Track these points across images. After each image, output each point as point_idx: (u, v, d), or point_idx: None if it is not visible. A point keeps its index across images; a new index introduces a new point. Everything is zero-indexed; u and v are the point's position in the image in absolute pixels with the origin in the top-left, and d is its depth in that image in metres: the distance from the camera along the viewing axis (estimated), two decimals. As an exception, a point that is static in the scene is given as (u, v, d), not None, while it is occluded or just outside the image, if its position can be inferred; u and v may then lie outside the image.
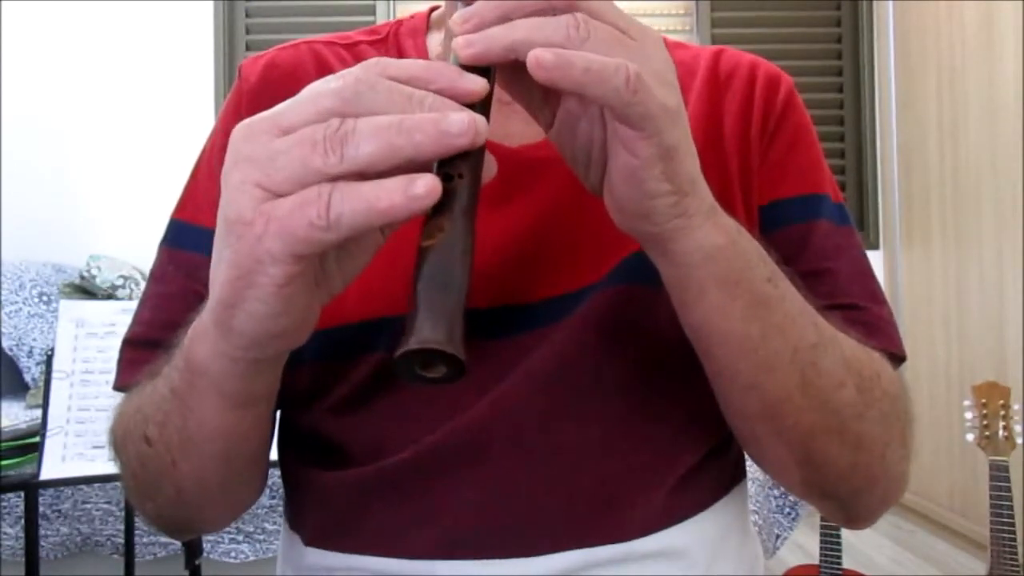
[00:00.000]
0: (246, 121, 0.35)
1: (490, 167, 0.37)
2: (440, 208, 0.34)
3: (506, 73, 0.39)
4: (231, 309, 0.36)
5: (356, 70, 0.34)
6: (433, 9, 0.65)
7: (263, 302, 0.35)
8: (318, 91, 0.34)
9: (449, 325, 0.32)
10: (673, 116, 0.38)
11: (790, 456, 0.51)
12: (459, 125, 0.32)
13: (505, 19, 0.37)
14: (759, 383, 0.47)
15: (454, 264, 0.33)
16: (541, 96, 0.42)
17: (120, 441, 0.54)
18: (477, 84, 0.35)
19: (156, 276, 0.59)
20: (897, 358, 0.57)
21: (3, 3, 3.06)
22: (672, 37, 0.66)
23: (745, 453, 0.59)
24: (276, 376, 0.45)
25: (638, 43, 0.38)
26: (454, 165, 0.35)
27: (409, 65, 0.35)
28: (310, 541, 0.57)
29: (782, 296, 0.46)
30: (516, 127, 0.56)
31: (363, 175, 0.33)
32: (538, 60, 0.35)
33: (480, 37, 0.36)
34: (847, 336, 0.51)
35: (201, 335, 0.41)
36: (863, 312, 0.57)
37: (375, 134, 0.32)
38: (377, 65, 0.35)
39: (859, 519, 0.57)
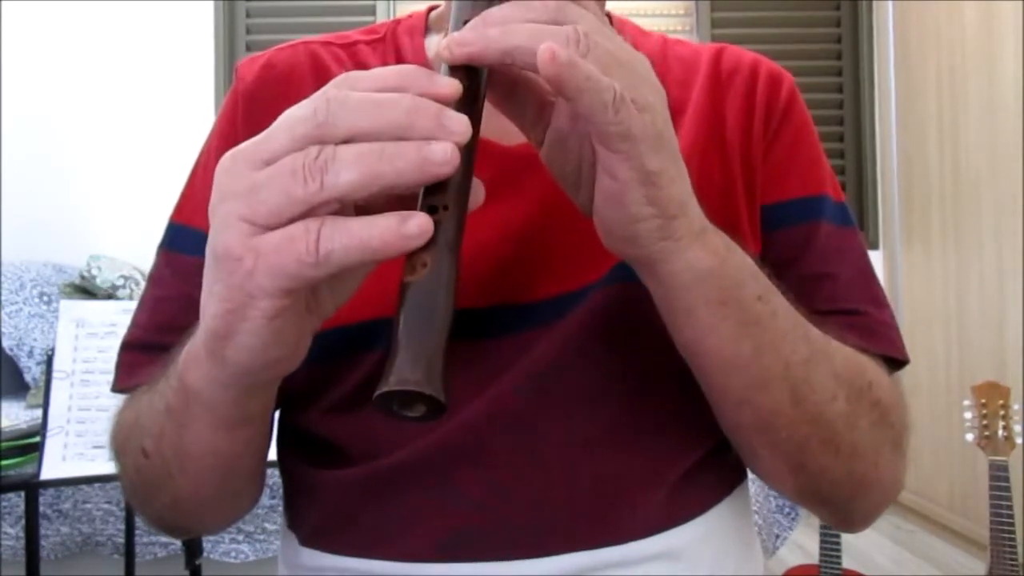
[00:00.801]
0: (228, 154, 0.35)
1: (477, 196, 0.37)
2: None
3: (498, 90, 0.39)
4: (223, 340, 0.36)
5: (326, 90, 0.34)
6: (432, 9, 0.65)
7: (254, 334, 0.35)
8: (293, 117, 0.34)
9: (428, 365, 0.32)
10: (656, 141, 0.38)
11: (784, 466, 0.51)
12: (442, 154, 0.32)
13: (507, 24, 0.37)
14: (751, 399, 0.47)
15: (437, 301, 0.33)
16: (533, 114, 0.42)
17: (119, 449, 0.55)
18: (450, 87, 0.35)
19: (154, 279, 0.59)
20: (898, 362, 0.57)
21: (3, 3, 3.06)
22: (672, 37, 0.66)
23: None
24: (270, 398, 0.45)
25: (630, 70, 0.38)
26: (439, 196, 0.35)
27: (378, 75, 0.35)
28: (305, 541, 0.57)
29: (773, 313, 0.46)
30: (512, 125, 0.56)
31: (344, 203, 0.33)
32: (553, 54, 0.34)
33: (477, 37, 0.36)
34: (841, 344, 0.51)
35: (194, 361, 0.41)
36: (864, 317, 0.57)
37: (356, 161, 0.32)
38: (346, 80, 0.35)
39: (855, 523, 0.57)
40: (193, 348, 0.41)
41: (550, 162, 0.43)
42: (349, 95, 0.33)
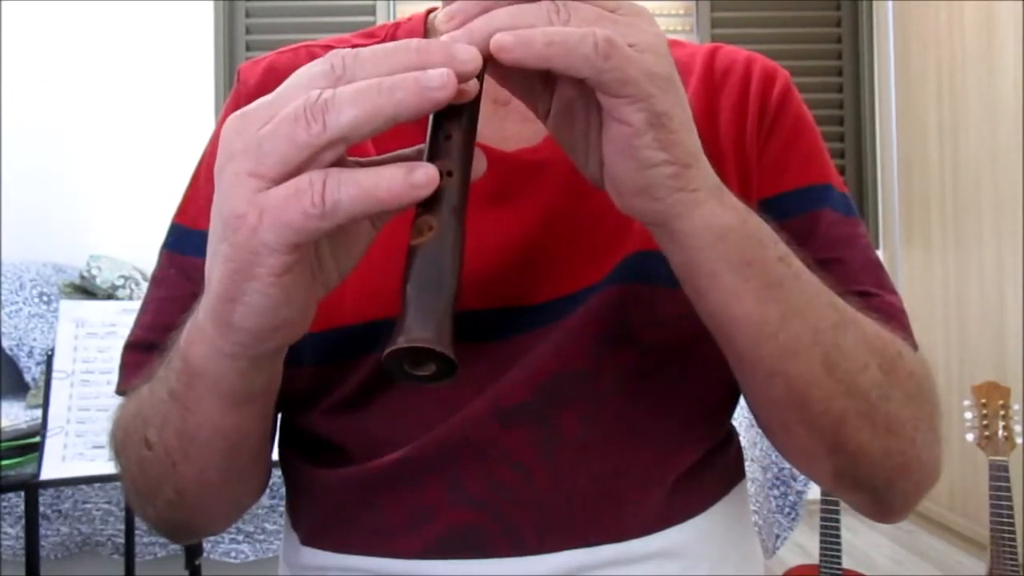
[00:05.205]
0: (235, 114, 0.35)
1: (480, 164, 0.37)
2: (429, 206, 0.34)
3: (500, 68, 0.39)
4: (230, 304, 0.36)
5: (342, 50, 0.34)
6: (431, 11, 0.65)
7: (262, 294, 0.35)
8: (308, 74, 0.34)
9: (438, 323, 0.32)
10: (662, 82, 0.37)
11: (820, 445, 0.49)
12: (439, 79, 0.32)
13: (487, 12, 0.37)
14: (783, 369, 0.46)
15: (443, 262, 0.33)
16: (539, 86, 0.42)
17: (120, 445, 0.54)
18: (469, 53, 0.35)
19: (157, 280, 0.59)
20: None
21: (3, 3, 3.06)
22: (672, 37, 0.65)
23: (772, 446, 0.57)
24: (276, 372, 0.45)
25: (626, 19, 0.37)
26: (442, 162, 0.35)
27: (399, 46, 0.35)
28: (306, 540, 0.57)
29: (797, 276, 0.45)
30: (512, 130, 0.56)
31: (349, 143, 0.33)
32: (500, 44, 0.35)
33: (462, 33, 0.36)
34: (865, 316, 0.50)
35: (198, 335, 0.40)
36: (876, 299, 0.55)
37: (356, 97, 0.32)
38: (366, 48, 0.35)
39: (894, 510, 0.54)
40: (196, 323, 0.41)
41: (557, 132, 0.42)
42: (361, 50, 0.34)
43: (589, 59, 0.35)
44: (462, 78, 0.33)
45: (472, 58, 0.34)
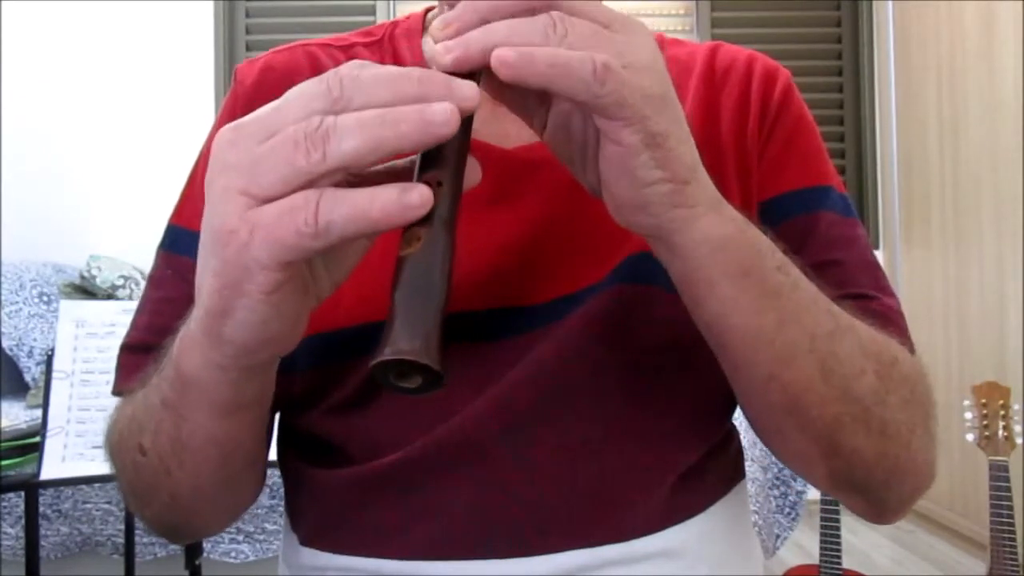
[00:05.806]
0: (230, 126, 0.34)
1: (473, 174, 0.37)
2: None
3: (495, 79, 0.39)
4: (220, 318, 0.36)
5: (341, 67, 0.34)
6: (429, 10, 0.64)
7: (252, 310, 0.35)
8: (306, 93, 0.33)
9: (425, 335, 0.32)
10: (658, 103, 0.37)
11: (815, 449, 0.49)
12: (442, 114, 0.32)
13: (484, 23, 0.37)
14: (778, 375, 0.46)
15: (432, 273, 0.33)
16: (534, 99, 0.42)
17: (115, 449, 0.54)
18: (471, 91, 0.34)
19: (154, 281, 0.59)
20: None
21: (3, 3, 3.06)
22: (672, 37, 0.65)
23: (767, 449, 0.58)
24: (269, 381, 0.45)
25: (622, 36, 0.37)
26: (433, 173, 0.34)
27: (400, 74, 0.34)
28: (305, 540, 0.57)
29: (794, 285, 0.45)
30: (511, 128, 0.55)
31: (348, 171, 0.33)
32: (501, 59, 0.34)
33: (458, 43, 0.36)
34: (861, 322, 0.50)
35: (189, 345, 0.40)
36: (873, 301, 0.55)
37: (358, 128, 0.32)
38: (362, 65, 0.34)
39: (889, 512, 0.55)
40: (188, 333, 0.40)
41: (554, 145, 0.42)
42: (361, 72, 0.33)
43: (586, 83, 0.35)
44: (462, 115, 0.33)
45: (473, 95, 0.33)
